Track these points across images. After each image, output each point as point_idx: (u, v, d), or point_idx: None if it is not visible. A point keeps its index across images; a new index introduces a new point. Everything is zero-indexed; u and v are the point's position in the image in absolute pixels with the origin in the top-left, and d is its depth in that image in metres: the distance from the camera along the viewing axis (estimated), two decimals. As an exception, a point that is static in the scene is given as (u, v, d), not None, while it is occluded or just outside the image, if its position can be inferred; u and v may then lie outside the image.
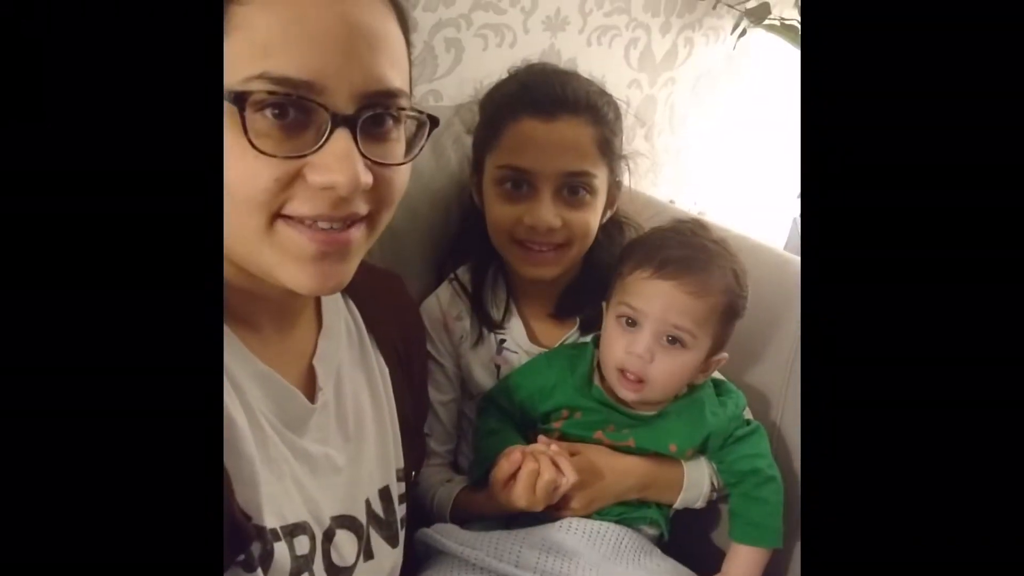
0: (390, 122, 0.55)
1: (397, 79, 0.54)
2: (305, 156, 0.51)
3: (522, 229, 0.86)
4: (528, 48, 1.26)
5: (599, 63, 1.37)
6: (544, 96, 0.85)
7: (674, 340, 0.81)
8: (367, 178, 0.52)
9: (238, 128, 0.49)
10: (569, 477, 0.78)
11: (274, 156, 0.50)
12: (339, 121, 0.51)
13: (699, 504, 0.88)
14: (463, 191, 1.00)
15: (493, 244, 0.91)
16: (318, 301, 0.69)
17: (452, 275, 0.97)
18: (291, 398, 0.62)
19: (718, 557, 0.91)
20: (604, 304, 0.89)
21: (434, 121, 0.58)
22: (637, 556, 0.83)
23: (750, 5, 1.49)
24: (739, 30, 1.53)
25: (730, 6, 1.50)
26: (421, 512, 0.88)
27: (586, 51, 1.35)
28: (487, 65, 1.22)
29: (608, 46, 1.38)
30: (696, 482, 0.87)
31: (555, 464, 0.78)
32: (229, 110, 0.49)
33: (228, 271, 0.57)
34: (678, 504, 0.88)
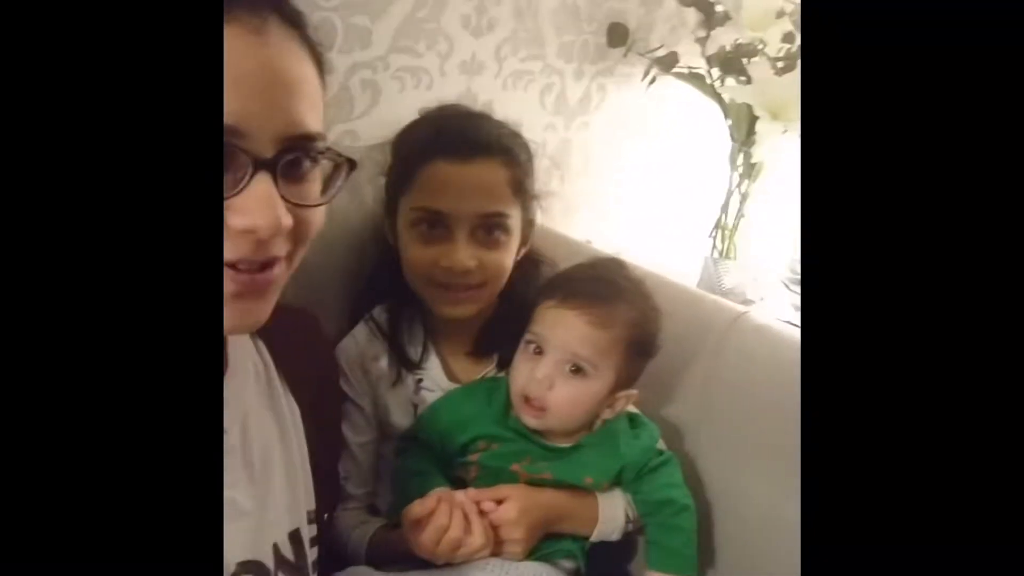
0: (308, 164, 0.56)
1: (315, 123, 0.55)
2: (225, 200, 0.51)
3: (439, 271, 0.86)
4: (445, 90, 1.28)
5: (515, 106, 1.40)
6: (458, 138, 0.86)
7: (576, 369, 0.83)
8: (287, 221, 0.52)
9: None
10: (476, 539, 0.78)
11: None
12: (260, 165, 0.51)
13: (615, 536, 0.89)
14: (377, 230, 1.00)
15: (410, 285, 0.91)
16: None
17: (368, 315, 0.96)
18: None
19: (636, 589, 0.92)
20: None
21: (352, 163, 0.59)
22: (555, 593, 0.83)
23: (659, 54, 1.55)
24: (649, 77, 1.59)
25: (640, 55, 1.55)
26: (337, 555, 0.86)
27: (502, 95, 1.37)
28: (404, 106, 1.23)
29: (524, 90, 1.41)
30: (611, 515, 0.88)
31: (466, 519, 0.78)
32: None
33: None
34: (595, 537, 0.88)
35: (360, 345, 0.94)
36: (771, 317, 1.05)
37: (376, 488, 0.95)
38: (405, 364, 0.94)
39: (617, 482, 0.90)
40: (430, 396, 0.93)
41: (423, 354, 0.95)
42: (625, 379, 0.86)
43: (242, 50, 0.51)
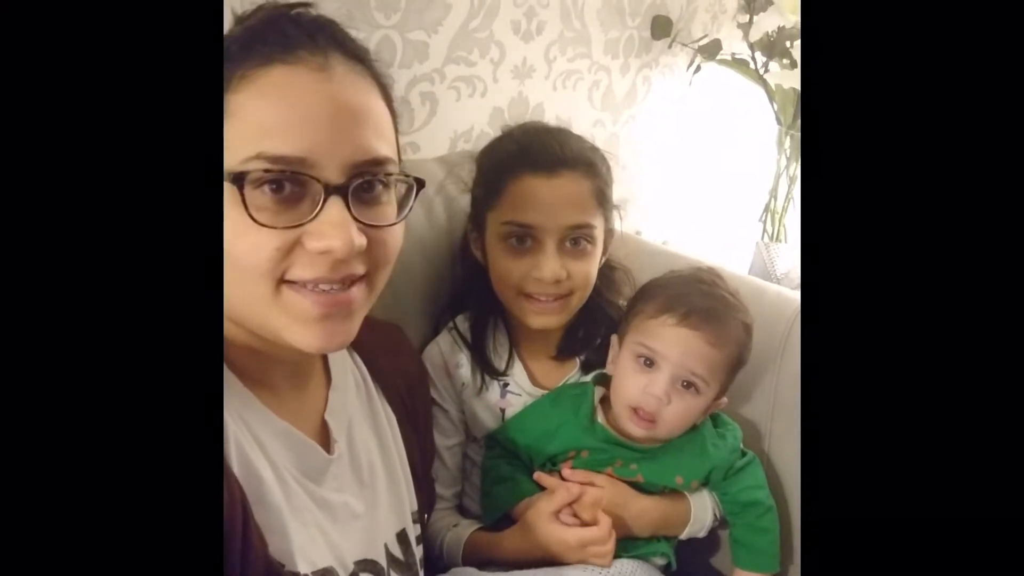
0: (379, 187, 0.60)
1: (383, 148, 0.59)
2: (303, 225, 0.55)
3: (530, 282, 0.89)
4: (498, 97, 1.31)
5: (564, 106, 1.43)
6: (543, 154, 0.89)
7: (688, 385, 0.85)
8: (361, 240, 0.57)
9: (239, 205, 0.53)
10: (610, 544, 0.84)
11: (274, 228, 0.54)
12: (331, 191, 0.56)
13: (702, 534, 0.93)
14: (455, 244, 1.03)
15: (499, 297, 0.94)
16: (326, 357, 0.73)
17: (451, 324, 1.00)
18: (310, 451, 0.66)
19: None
20: (615, 338, 0.92)
21: (420, 183, 0.63)
22: (648, 585, 0.87)
23: (702, 43, 1.56)
24: (693, 66, 1.60)
25: (684, 44, 1.57)
26: (430, 556, 0.90)
27: (552, 96, 1.40)
28: (461, 115, 1.27)
29: (573, 89, 1.43)
30: (701, 516, 0.92)
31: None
32: (230, 189, 0.53)
33: (243, 335, 0.61)
34: (684, 535, 0.92)
35: (444, 353, 0.98)
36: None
37: (464, 488, 1.00)
38: (489, 371, 0.97)
39: (704, 482, 0.93)
40: (516, 400, 0.97)
41: (508, 361, 0.98)
42: (724, 390, 0.89)
43: (307, 87, 0.56)
